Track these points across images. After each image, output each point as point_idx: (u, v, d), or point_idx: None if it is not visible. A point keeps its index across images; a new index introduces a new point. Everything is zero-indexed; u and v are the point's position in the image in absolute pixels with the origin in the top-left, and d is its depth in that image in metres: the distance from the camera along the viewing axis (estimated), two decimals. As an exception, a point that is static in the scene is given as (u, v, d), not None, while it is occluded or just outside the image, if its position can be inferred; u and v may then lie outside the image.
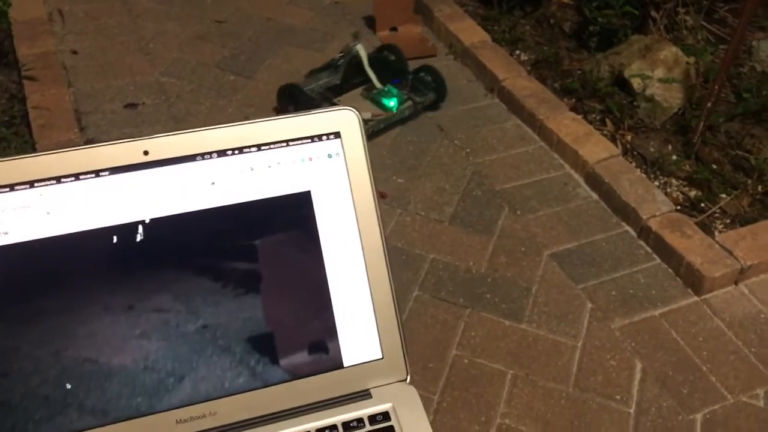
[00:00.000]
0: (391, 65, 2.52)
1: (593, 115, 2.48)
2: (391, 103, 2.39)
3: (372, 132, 2.34)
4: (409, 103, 2.42)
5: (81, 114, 2.26)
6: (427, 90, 2.47)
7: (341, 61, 2.45)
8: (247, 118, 2.34)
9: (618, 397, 1.63)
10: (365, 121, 2.27)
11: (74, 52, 2.54)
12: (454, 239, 1.99)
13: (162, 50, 2.63)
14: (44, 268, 0.61)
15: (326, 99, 2.37)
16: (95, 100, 2.34)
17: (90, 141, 2.16)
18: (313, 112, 0.69)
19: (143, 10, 2.84)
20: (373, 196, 0.71)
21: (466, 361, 1.67)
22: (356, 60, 2.45)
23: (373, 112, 2.37)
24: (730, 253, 1.92)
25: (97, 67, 2.50)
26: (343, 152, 0.70)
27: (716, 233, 2.03)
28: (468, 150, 2.33)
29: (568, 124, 2.36)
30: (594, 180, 2.19)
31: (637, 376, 1.68)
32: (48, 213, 0.62)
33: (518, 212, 2.10)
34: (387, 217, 2.05)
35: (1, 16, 2.27)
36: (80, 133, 2.16)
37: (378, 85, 2.46)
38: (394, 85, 2.46)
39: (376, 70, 2.48)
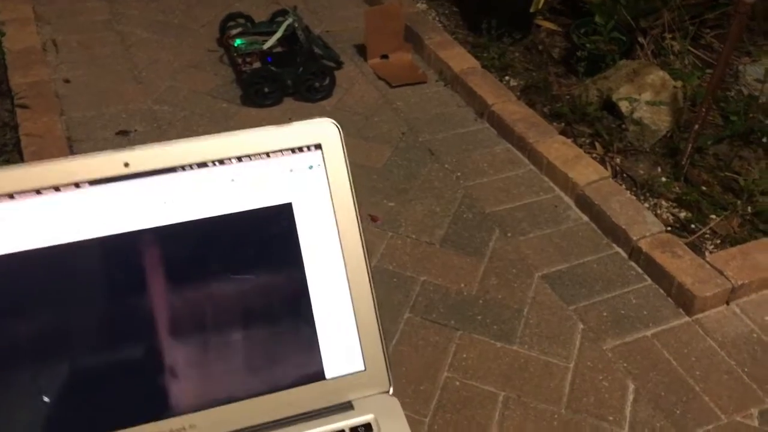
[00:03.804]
0: (298, 51, 2.66)
1: (582, 139, 2.49)
2: (236, 44, 2.72)
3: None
4: (244, 66, 2.65)
5: (73, 142, 2.27)
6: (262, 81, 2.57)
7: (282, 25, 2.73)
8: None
9: (611, 418, 1.61)
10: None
11: (67, 81, 2.56)
12: (445, 262, 1.99)
13: (155, 78, 2.65)
14: (22, 281, 0.61)
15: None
16: (87, 128, 2.35)
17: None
18: (293, 124, 0.70)
19: (137, 39, 2.87)
20: (354, 208, 0.71)
21: (457, 383, 1.66)
22: (291, 29, 2.69)
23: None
24: (721, 272, 1.92)
25: (89, 95, 2.51)
26: (324, 164, 0.70)
27: (707, 253, 2.03)
28: (458, 174, 2.34)
29: (557, 148, 2.38)
30: (584, 202, 2.20)
31: (630, 396, 1.67)
32: (27, 225, 0.62)
33: (509, 234, 2.10)
34: (378, 240, 2.05)
35: (-5, 45, 2.29)
36: (72, 160, 2.16)
37: (267, 43, 2.67)
38: (259, 49, 2.67)
39: (291, 45, 2.70)
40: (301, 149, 0.69)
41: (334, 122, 0.70)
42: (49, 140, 2.17)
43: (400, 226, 2.11)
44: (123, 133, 2.34)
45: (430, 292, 1.89)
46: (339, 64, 2.79)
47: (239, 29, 2.79)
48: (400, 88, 2.76)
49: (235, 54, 2.68)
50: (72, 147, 2.24)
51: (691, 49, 2.87)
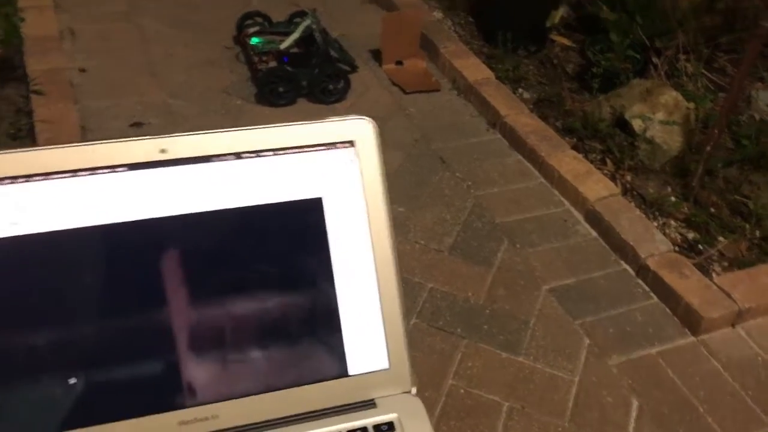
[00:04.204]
0: (315, 53, 2.66)
1: (594, 155, 2.50)
2: (252, 42, 2.73)
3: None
4: (260, 65, 2.67)
5: (87, 131, 2.27)
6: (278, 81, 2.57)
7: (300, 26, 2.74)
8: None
9: (614, 434, 1.61)
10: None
11: (83, 70, 2.56)
12: (453, 270, 1.99)
13: (170, 73, 2.65)
14: (57, 260, 0.61)
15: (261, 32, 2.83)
16: (101, 118, 2.35)
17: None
18: (328, 120, 0.70)
19: (154, 33, 2.87)
20: (386, 206, 0.71)
21: (462, 391, 1.66)
22: (309, 30, 2.69)
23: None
24: (728, 295, 1.92)
25: (104, 85, 2.52)
26: (358, 161, 0.70)
27: (714, 275, 2.04)
28: (469, 183, 2.34)
29: (569, 162, 2.38)
30: (594, 217, 2.20)
31: (634, 413, 1.66)
32: (60, 206, 0.62)
33: (518, 246, 2.10)
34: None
35: (13, 31, 2.29)
36: (84, 149, 2.16)
37: (284, 43, 2.68)
38: (276, 49, 2.69)
39: (308, 46, 2.70)
40: (335, 145, 0.69)
41: (371, 120, 0.70)
42: (63, 127, 2.17)
43: (409, 231, 2.11)
44: (137, 125, 2.34)
45: (438, 300, 1.89)
46: (354, 68, 2.80)
47: (257, 28, 2.80)
48: (413, 94, 2.76)
49: (251, 52, 2.69)
50: (85, 137, 2.24)
51: (705, 71, 2.87)
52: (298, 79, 2.55)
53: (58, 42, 2.61)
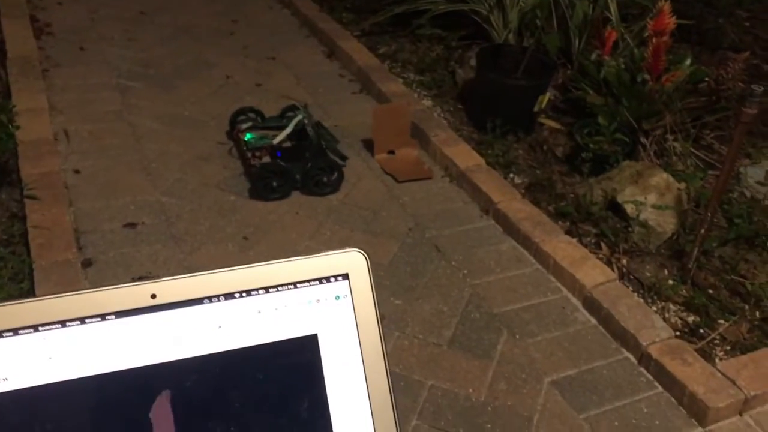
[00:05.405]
0: (307, 147, 2.70)
1: (588, 239, 2.50)
2: (246, 138, 2.76)
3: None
4: (253, 160, 2.69)
5: (80, 233, 2.27)
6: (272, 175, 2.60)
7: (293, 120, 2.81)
8: (246, 239, 2.37)
9: None
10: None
11: (77, 172, 2.58)
12: (453, 364, 1.96)
13: (164, 170, 2.68)
14: (45, 415, 0.59)
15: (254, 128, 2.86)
16: (94, 220, 2.35)
17: (87, 261, 2.15)
18: (321, 254, 0.69)
19: (147, 131, 2.91)
20: (380, 339, 0.70)
21: (466, 496, 1.61)
22: (301, 124, 2.74)
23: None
24: (733, 382, 1.89)
25: (98, 186, 2.53)
26: (351, 294, 0.69)
27: (717, 360, 2.01)
28: (465, 271, 2.33)
29: (563, 248, 2.38)
30: (592, 305, 2.18)
31: None
32: (50, 358, 0.61)
33: (517, 336, 2.08)
34: (385, 339, 2.02)
35: (9, 138, 2.31)
36: (78, 252, 2.16)
37: (277, 138, 2.73)
38: (269, 144, 2.72)
39: (300, 140, 2.76)
40: (328, 279, 0.69)
41: (362, 252, 0.69)
42: (56, 232, 2.17)
43: (407, 325, 2.08)
44: (130, 225, 2.34)
45: (438, 398, 1.85)
46: (343, 159, 2.83)
47: (249, 123, 2.84)
48: (406, 183, 2.79)
49: (244, 148, 2.72)
50: (79, 239, 2.23)
51: (693, 150, 2.92)
52: (291, 173, 2.58)
53: (53, 144, 2.64)
